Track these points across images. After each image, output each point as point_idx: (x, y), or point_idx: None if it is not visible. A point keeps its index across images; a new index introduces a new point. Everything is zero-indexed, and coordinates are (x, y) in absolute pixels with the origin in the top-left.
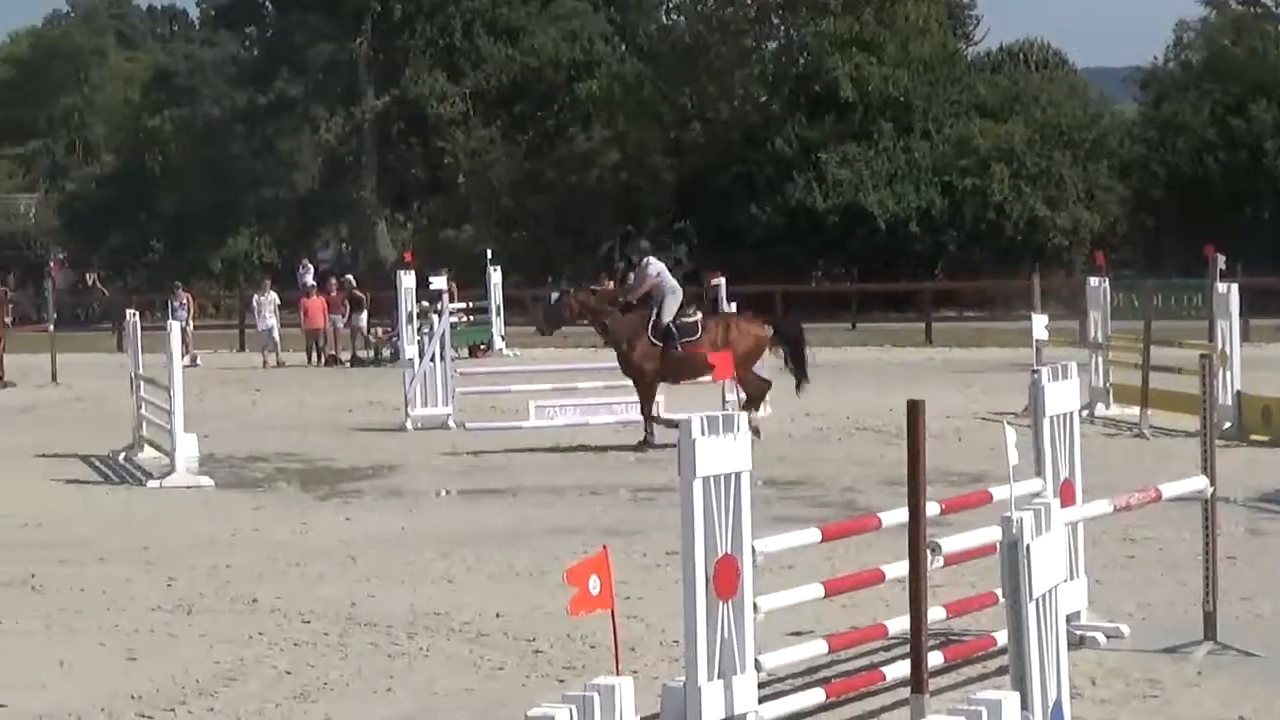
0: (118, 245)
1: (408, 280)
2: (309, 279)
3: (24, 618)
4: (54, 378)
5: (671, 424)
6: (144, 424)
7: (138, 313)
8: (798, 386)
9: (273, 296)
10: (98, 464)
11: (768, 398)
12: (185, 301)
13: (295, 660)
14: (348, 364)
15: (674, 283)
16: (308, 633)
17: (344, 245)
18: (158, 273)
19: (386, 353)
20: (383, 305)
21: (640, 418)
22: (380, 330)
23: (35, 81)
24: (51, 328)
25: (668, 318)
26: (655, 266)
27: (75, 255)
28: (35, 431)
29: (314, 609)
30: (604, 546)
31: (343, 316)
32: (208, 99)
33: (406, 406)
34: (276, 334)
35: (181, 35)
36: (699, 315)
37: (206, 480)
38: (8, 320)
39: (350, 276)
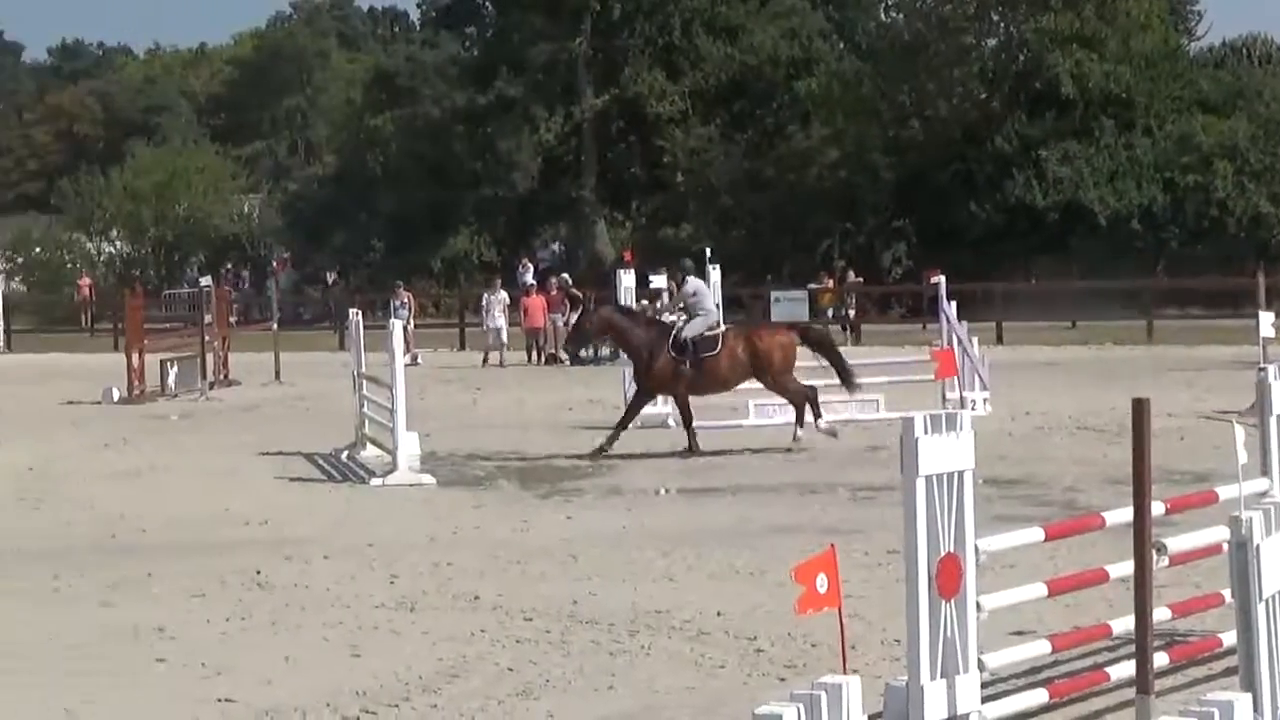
0: (339, 245)
1: (627, 279)
2: (529, 278)
3: (251, 614)
4: (277, 376)
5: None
6: (366, 422)
7: (360, 311)
8: (848, 388)
9: (503, 296)
10: (321, 462)
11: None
12: (406, 300)
13: (517, 657)
14: (567, 362)
15: (709, 306)
16: (530, 630)
17: (561, 245)
18: (379, 272)
19: (606, 351)
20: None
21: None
22: None
23: (259, 83)
24: (275, 326)
25: (688, 334)
26: (693, 285)
27: (297, 255)
28: (260, 430)
29: (535, 606)
30: (831, 545)
31: (562, 315)
32: (428, 99)
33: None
34: (504, 334)
35: (402, 36)
36: (722, 329)
37: (428, 478)
38: (232, 319)
39: (566, 275)
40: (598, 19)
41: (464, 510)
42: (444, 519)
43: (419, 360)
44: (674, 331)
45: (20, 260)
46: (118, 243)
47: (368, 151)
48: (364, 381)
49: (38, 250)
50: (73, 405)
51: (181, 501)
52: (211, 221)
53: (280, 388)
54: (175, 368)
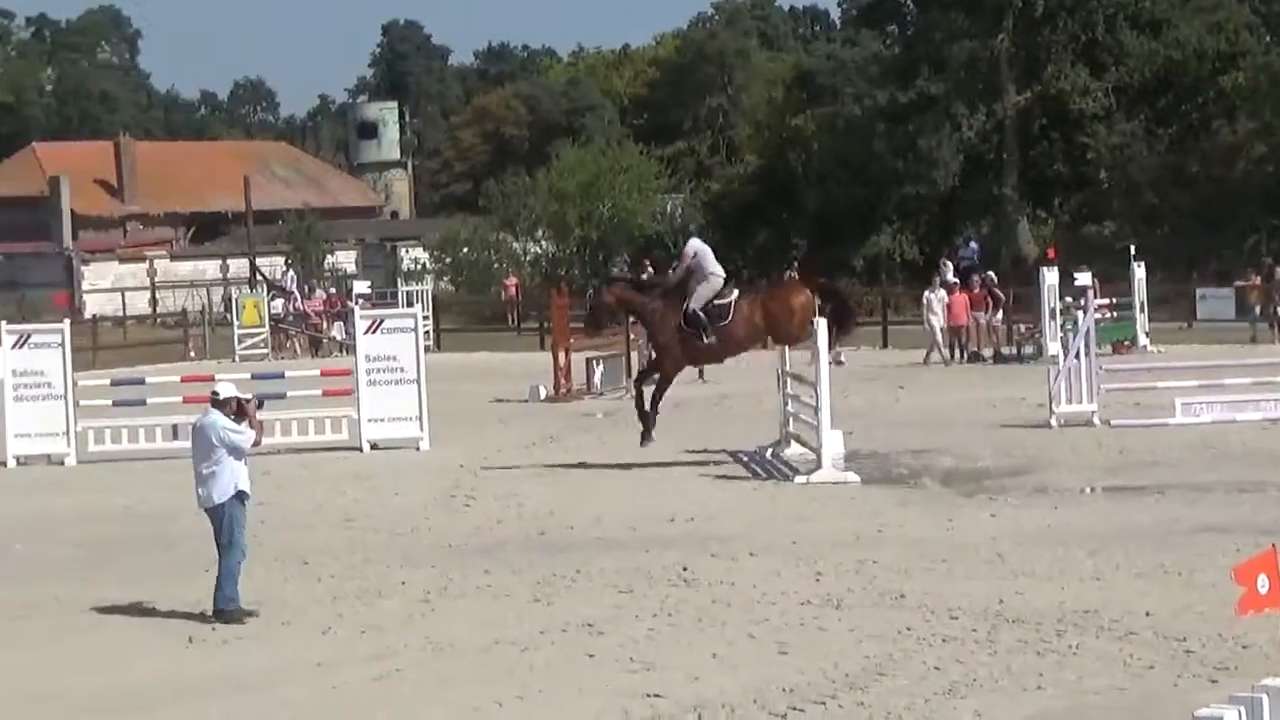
0: (761, 243)
1: (1051, 277)
2: (950, 276)
3: (678, 610)
4: (701, 375)
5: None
6: (791, 420)
7: None
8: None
9: (941, 294)
10: (745, 460)
11: None
12: None
13: (943, 656)
14: (990, 360)
15: (713, 267)
16: (956, 629)
17: (981, 243)
18: (802, 270)
19: (1029, 349)
20: (1024, 301)
21: None
22: (1023, 327)
23: (681, 83)
24: None
25: (695, 305)
26: (692, 246)
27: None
28: (684, 428)
29: (961, 605)
30: (1272, 546)
31: (985, 313)
32: (849, 98)
33: (1051, 403)
34: (941, 333)
35: (822, 35)
36: (734, 295)
37: (852, 476)
38: None
39: (992, 273)
40: (1019, 16)
41: (888, 508)
42: (868, 517)
43: (842, 359)
44: (684, 306)
45: (449, 260)
46: (543, 242)
47: (789, 150)
48: (788, 380)
49: (465, 250)
50: (501, 403)
51: (607, 499)
52: (635, 221)
53: (704, 386)
54: (601, 366)
